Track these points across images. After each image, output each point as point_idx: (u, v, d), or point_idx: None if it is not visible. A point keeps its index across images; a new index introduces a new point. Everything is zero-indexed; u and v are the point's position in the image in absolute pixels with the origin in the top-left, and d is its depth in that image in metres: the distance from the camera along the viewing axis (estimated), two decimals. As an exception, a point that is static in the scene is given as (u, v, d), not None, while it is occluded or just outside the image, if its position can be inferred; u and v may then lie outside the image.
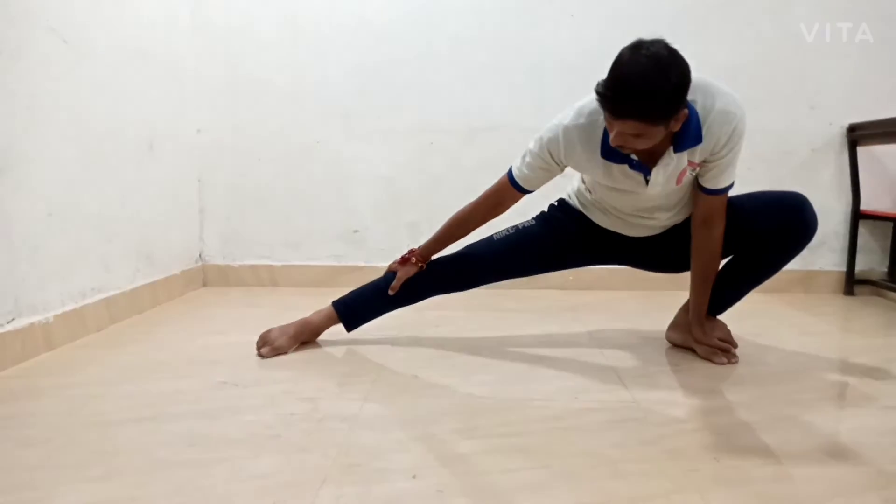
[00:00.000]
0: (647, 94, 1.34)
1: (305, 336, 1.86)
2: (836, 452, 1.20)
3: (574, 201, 1.90)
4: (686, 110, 1.43)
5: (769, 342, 1.98)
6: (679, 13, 2.74)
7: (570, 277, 2.85)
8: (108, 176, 2.11)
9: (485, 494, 1.03)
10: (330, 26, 2.77)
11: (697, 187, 1.67)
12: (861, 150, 2.79)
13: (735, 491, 1.05)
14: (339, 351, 1.84)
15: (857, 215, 2.79)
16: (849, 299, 2.75)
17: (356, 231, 2.87)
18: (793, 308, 2.53)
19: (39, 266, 1.78)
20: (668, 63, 1.35)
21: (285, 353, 1.79)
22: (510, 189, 1.74)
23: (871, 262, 2.86)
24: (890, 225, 2.83)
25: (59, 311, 1.85)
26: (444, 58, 2.78)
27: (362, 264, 2.83)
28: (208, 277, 2.86)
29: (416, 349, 1.87)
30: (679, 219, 1.80)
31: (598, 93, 1.40)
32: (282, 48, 2.79)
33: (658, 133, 1.42)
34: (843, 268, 2.85)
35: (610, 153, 1.57)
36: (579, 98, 1.63)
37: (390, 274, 1.89)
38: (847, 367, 1.77)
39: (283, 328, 1.83)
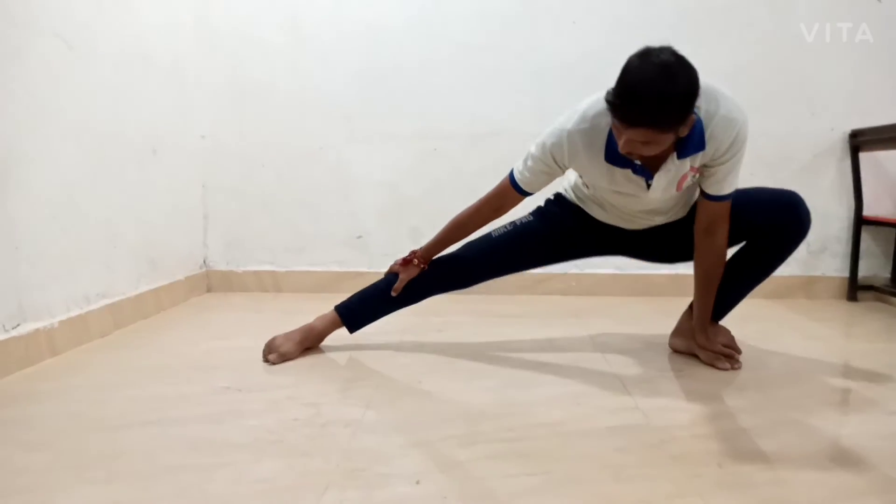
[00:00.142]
0: (658, 102, 1.34)
1: (310, 342, 1.87)
2: (839, 457, 1.20)
3: (571, 195, 1.90)
4: (694, 116, 1.44)
5: (772, 347, 1.98)
6: (679, 18, 2.75)
7: (573, 283, 2.86)
8: (111, 180, 2.12)
9: (488, 500, 1.03)
10: (333, 32, 2.79)
11: (701, 194, 1.67)
12: (863, 156, 2.79)
13: (738, 496, 1.05)
14: (342, 356, 1.84)
15: (860, 221, 2.79)
16: (851, 305, 2.75)
17: (359, 237, 2.87)
18: (795, 313, 2.53)
19: (43, 271, 1.79)
20: (678, 70, 1.35)
21: (292, 359, 1.79)
22: (512, 192, 1.75)
23: (873, 267, 2.86)
24: (893, 230, 2.83)
25: (64, 317, 1.85)
26: (447, 64, 2.79)
27: (365, 270, 2.83)
28: (212, 283, 2.87)
29: (418, 354, 1.88)
30: (677, 217, 1.81)
31: (608, 101, 1.40)
32: (285, 54, 2.80)
33: (667, 140, 1.43)
34: (846, 273, 2.85)
35: (613, 157, 1.58)
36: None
37: (391, 276, 1.89)
38: (850, 373, 1.77)
39: (287, 335, 1.83)
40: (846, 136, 2.80)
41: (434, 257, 1.89)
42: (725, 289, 1.78)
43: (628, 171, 1.60)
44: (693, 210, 1.78)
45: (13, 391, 1.51)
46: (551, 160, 1.66)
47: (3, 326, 1.64)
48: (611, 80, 1.42)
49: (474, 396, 1.52)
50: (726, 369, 1.74)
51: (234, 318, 2.38)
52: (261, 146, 2.84)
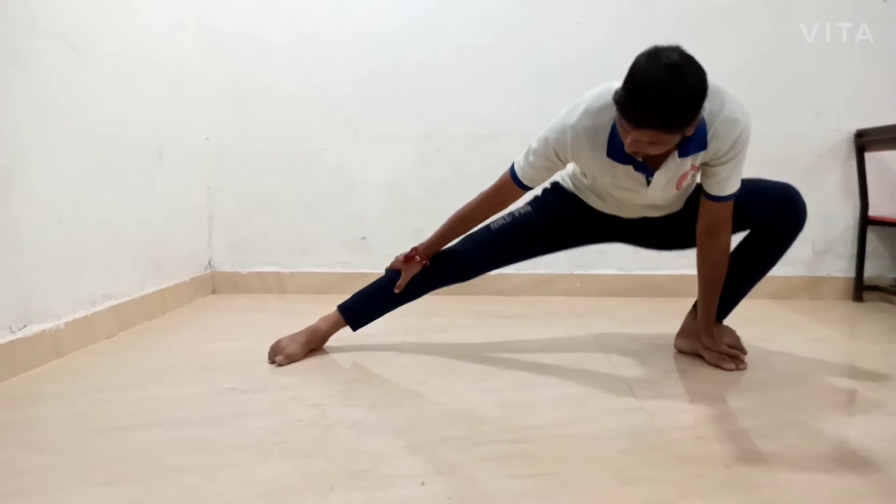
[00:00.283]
0: (668, 104, 1.33)
1: (315, 343, 1.87)
2: (843, 459, 1.20)
3: (568, 184, 1.89)
4: (700, 116, 1.43)
5: (777, 348, 1.98)
6: (682, 19, 2.75)
7: (577, 284, 2.85)
8: (116, 182, 2.12)
9: (492, 501, 1.03)
10: (335, 34, 2.79)
11: (703, 195, 1.67)
12: (869, 156, 2.78)
13: (742, 497, 1.05)
14: (345, 357, 1.84)
15: (865, 221, 2.78)
16: (857, 305, 2.74)
17: (363, 238, 2.88)
18: (800, 314, 2.53)
19: (49, 273, 1.79)
20: (687, 71, 1.34)
21: (298, 360, 1.80)
22: (513, 186, 1.74)
23: (879, 268, 2.85)
24: (898, 231, 2.82)
25: (70, 318, 1.86)
26: (449, 64, 2.80)
27: (369, 271, 2.83)
28: (217, 284, 2.88)
29: (422, 355, 1.88)
30: (672, 211, 1.81)
31: (616, 101, 1.39)
32: (287, 56, 2.81)
33: (674, 140, 1.43)
34: (852, 274, 2.84)
35: (616, 153, 1.57)
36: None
37: (392, 273, 1.89)
38: (855, 374, 1.76)
39: (292, 337, 1.84)
40: (851, 136, 2.80)
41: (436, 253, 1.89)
42: (727, 287, 1.78)
43: (630, 168, 1.60)
44: (689, 201, 1.77)
45: (19, 392, 1.52)
46: (553, 155, 1.65)
47: (10, 328, 1.65)
48: (612, 80, 1.42)
49: (478, 397, 1.52)
50: (731, 370, 1.74)
51: (238, 320, 2.38)
52: (264, 148, 2.85)
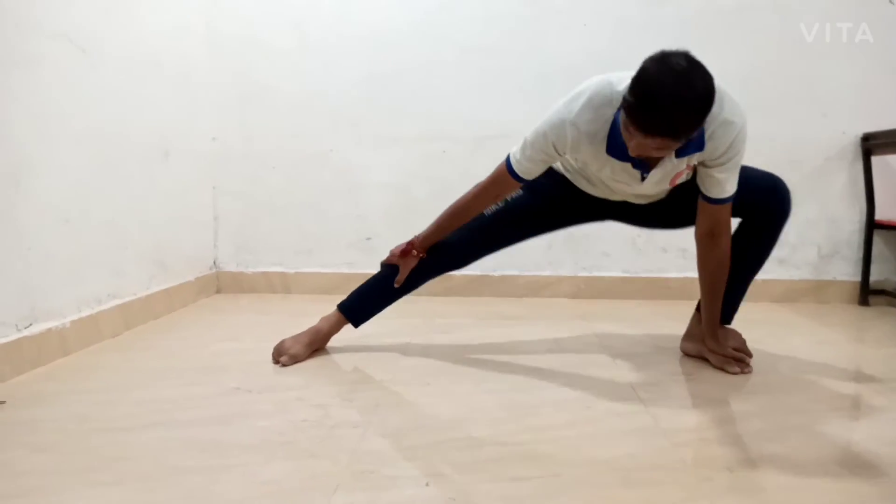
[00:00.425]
0: (679, 113, 1.32)
1: (318, 343, 1.88)
2: (849, 463, 1.19)
3: (558, 166, 1.87)
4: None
5: (782, 352, 1.97)
6: (688, 20, 2.74)
7: (582, 285, 2.85)
8: (122, 183, 2.13)
9: (496, 503, 1.03)
10: (339, 36, 2.80)
11: (701, 197, 1.65)
12: (875, 160, 2.77)
13: (747, 500, 1.04)
14: (350, 358, 1.84)
15: (872, 225, 2.77)
16: (863, 309, 2.73)
17: (368, 238, 2.88)
18: (806, 318, 2.52)
19: (55, 272, 1.80)
20: (697, 79, 1.33)
21: (302, 360, 1.80)
22: (509, 180, 1.72)
23: (885, 272, 2.84)
24: (905, 234, 2.81)
25: (76, 317, 1.87)
26: (453, 66, 2.80)
27: (374, 271, 2.82)
28: (222, 284, 2.88)
29: (426, 357, 1.88)
30: (659, 198, 1.80)
31: (626, 108, 1.37)
32: (293, 58, 2.81)
33: (679, 144, 1.42)
34: (858, 278, 2.83)
35: (616, 151, 1.55)
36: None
37: (388, 267, 1.90)
38: (861, 377, 1.76)
39: (295, 338, 1.84)
40: (858, 139, 2.79)
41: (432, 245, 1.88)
42: (727, 288, 1.77)
43: (628, 165, 1.58)
44: (675, 188, 1.75)
45: (25, 391, 1.52)
46: (552, 149, 1.63)
47: (16, 326, 1.65)
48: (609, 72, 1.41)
49: (482, 399, 1.52)
50: (736, 373, 1.73)
51: (243, 320, 2.39)
52: (269, 149, 2.85)
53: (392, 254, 1.90)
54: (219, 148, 2.84)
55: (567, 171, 1.85)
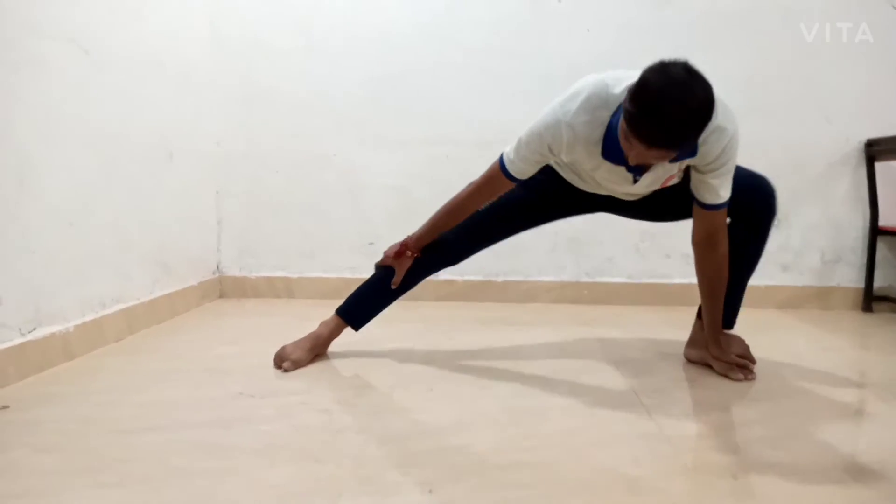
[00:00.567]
0: (683, 127, 1.33)
1: (319, 349, 1.88)
2: (854, 470, 1.19)
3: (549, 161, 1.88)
4: None
5: (786, 358, 1.97)
6: (692, 24, 2.75)
7: (585, 291, 2.85)
8: (126, 186, 2.13)
9: (499, 508, 1.03)
10: (344, 38, 2.81)
11: (696, 204, 1.66)
12: (879, 166, 2.77)
13: (752, 508, 1.04)
14: (352, 363, 1.84)
15: (875, 231, 2.77)
16: (867, 316, 2.72)
17: (371, 243, 2.88)
18: (810, 324, 2.51)
19: (59, 276, 1.80)
20: (699, 91, 1.33)
21: (304, 365, 1.80)
22: (503, 179, 1.72)
23: (889, 278, 2.84)
24: (909, 241, 2.81)
25: (79, 321, 1.87)
26: (458, 70, 2.80)
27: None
28: (225, 288, 2.89)
29: (429, 362, 1.88)
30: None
31: (628, 120, 1.36)
32: (297, 60, 2.82)
33: (678, 152, 1.43)
34: (861, 284, 2.82)
35: (611, 155, 1.55)
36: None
37: (383, 269, 1.90)
38: (865, 384, 1.75)
39: (296, 343, 1.84)
40: (861, 145, 2.79)
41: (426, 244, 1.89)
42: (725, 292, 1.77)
43: (622, 168, 1.58)
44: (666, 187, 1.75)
45: (29, 394, 1.52)
46: (547, 150, 1.63)
47: (20, 330, 1.66)
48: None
49: (485, 405, 1.52)
50: (740, 380, 1.73)
51: (246, 324, 2.39)
52: (273, 152, 2.86)
53: (386, 255, 1.90)
54: (222, 150, 2.85)
55: (558, 165, 1.84)
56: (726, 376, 1.75)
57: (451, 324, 2.38)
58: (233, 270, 2.90)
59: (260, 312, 2.60)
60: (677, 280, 2.82)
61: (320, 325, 1.90)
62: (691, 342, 1.93)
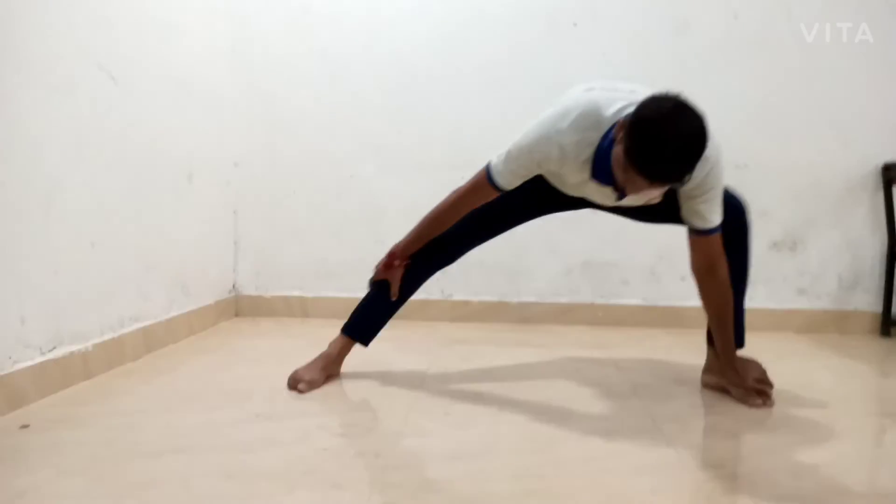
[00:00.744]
0: (683, 164, 1.36)
1: (331, 368, 1.88)
2: (878, 500, 1.18)
3: None
4: None
5: (805, 384, 1.95)
6: (708, 48, 2.75)
7: (600, 313, 2.84)
8: (148, 207, 2.16)
9: (520, 537, 1.03)
10: (365, 63, 2.84)
11: (690, 233, 1.67)
12: (897, 190, 2.77)
13: (774, 541, 1.04)
14: (368, 385, 1.85)
15: (893, 255, 2.75)
16: (885, 340, 2.70)
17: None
18: (828, 349, 2.49)
19: (81, 295, 1.82)
20: (696, 124, 1.37)
21: (319, 386, 1.81)
22: (489, 188, 1.72)
23: (907, 302, 2.82)
24: (927, 265, 2.78)
25: (98, 340, 1.89)
26: (476, 94, 2.82)
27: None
28: (241, 307, 2.90)
29: (445, 384, 1.88)
30: None
31: (629, 156, 1.38)
32: (317, 84, 2.85)
33: None
34: (879, 308, 2.80)
35: (600, 176, 1.57)
36: None
37: (378, 284, 1.91)
38: (886, 411, 1.74)
39: (309, 366, 1.85)
40: (879, 169, 2.78)
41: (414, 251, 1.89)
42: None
43: (608, 189, 1.59)
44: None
45: (49, 414, 1.54)
46: (536, 166, 1.64)
47: (41, 349, 1.67)
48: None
49: (502, 430, 1.52)
50: (758, 406, 1.71)
51: (263, 344, 2.40)
52: (292, 173, 2.89)
53: (377, 270, 1.91)
54: (241, 172, 2.88)
55: (546, 172, 1.83)
56: (744, 403, 1.74)
57: (465, 345, 2.38)
58: (249, 290, 2.92)
59: (276, 332, 2.61)
60: (693, 303, 2.77)
61: (329, 345, 1.91)
62: (707, 369, 1.91)
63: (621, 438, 1.47)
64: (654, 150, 1.34)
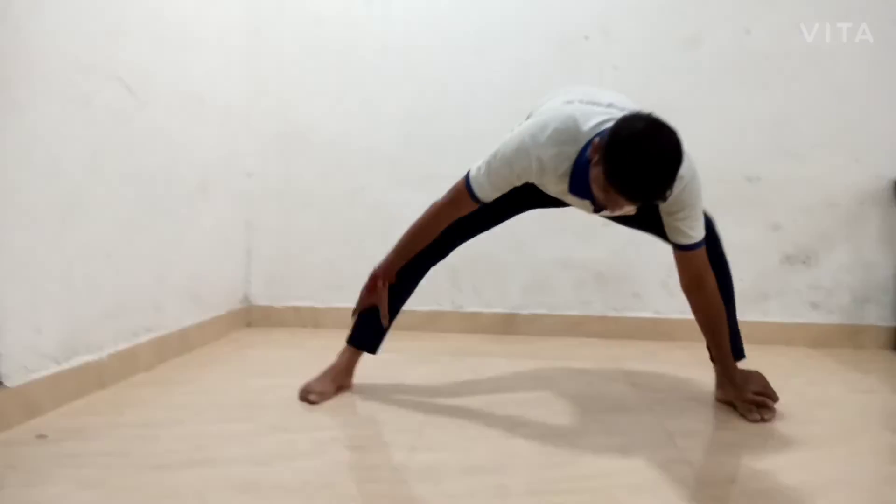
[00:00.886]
0: (664, 182, 1.38)
1: (341, 379, 1.88)
2: (898, 522, 1.17)
3: None
4: None
5: (819, 400, 1.94)
6: (721, 65, 2.75)
7: (612, 326, 2.83)
8: (163, 218, 2.17)
9: (538, 554, 1.02)
10: (377, 77, 2.85)
11: (675, 249, 1.68)
12: (910, 204, 2.75)
13: (795, 560, 1.03)
14: (380, 397, 1.85)
15: (907, 270, 2.74)
16: (899, 356, 2.68)
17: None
18: (842, 364, 2.47)
19: (96, 306, 1.83)
20: (674, 143, 1.38)
21: (330, 398, 1.81)
22: (468, 201, 1.73)
23: (921, 317, 2.80)
24: (941, 280, 2.77)
25: (113, 350, 1.89)
26: (488, 109, 2.82)
27: (404, 308, 2.84)
28: (252, 318, 2.91)
29: (458, 397, 1.87)
30: None
31: (610, 179, 1.39)
32: (330, 97, 2.87)
33: None
34: (893, 323, 2.78)
35: (578, 190, 1.58)
36: None
37: (367, 310, 1.89)
38: (903, 430, 1.72)
39: (319, 378, 1.85)
40: (892, 184, 2.77)
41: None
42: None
43: (587, 202, 1.60)
44: None
45: (64, 424, 1.54)
46: (516, 179, 1.65)
47: (56, 359, 1.68)
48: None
49: (517, 444, 1.51)
50: (756, 420, 1.68)
51: (275, 354, 2.40)
52: (304, 186, 2.90)
53: (361, 297, 1.89)
54: (254, 184, 2.89)
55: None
56: (744, 417, 1.71)
57: (477, 358, 2.37)
58: (261, 300, 2.93)
59: (287, 343, 2.61)
60: (705, 317, 2.79)
61: (338, 357, 1.91)
62: (719, 383, 1.90)
63: (638, 454, 1.46)
64: (633, 171, 1.36)
